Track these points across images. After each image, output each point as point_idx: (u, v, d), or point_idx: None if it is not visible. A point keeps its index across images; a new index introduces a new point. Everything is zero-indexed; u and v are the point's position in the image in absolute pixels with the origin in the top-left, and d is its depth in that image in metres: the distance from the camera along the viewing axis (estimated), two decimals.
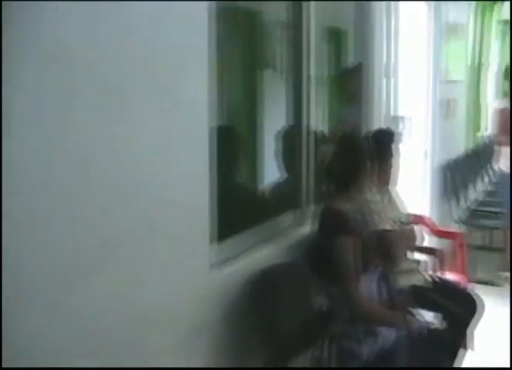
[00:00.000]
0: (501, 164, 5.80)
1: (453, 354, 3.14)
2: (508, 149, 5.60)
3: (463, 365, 3.90)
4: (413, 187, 5.44)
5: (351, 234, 2.73)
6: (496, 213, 6.28)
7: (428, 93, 5.54)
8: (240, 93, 3.22)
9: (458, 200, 6.18)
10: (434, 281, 3.51)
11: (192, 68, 2.25)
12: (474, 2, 7.48)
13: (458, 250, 4.27)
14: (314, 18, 3.26)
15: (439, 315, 2.90)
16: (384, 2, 4.25)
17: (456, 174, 6.19)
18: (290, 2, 3.24)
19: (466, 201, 6.42)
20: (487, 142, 8.70)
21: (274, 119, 3.41)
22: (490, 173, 8.06)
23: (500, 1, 9.39)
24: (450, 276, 4.14)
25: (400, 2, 4.52)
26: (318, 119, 3.98)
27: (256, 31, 3.27)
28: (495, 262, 6.10)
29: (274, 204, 3.22)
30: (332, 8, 4.05)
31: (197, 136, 2.30)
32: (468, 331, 3.45)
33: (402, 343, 2.73)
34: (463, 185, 6.42)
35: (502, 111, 5.49)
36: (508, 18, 10.95)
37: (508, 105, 5.50)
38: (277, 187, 3.34)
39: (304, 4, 3.23)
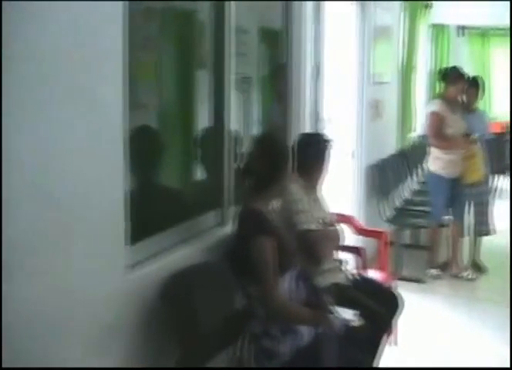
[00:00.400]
0: (429, 164, 5.92)
1: (373, 351, 3.18)
2: (436, 149, 5.72)
3: (389, 362, 3.98)
4: (341, 187, 5.51)
5: (269, 234, 2.73)
6: (423, 211, 6.42)
7: (355, 94, 5.61)
8: (175, 93, 3.20)
9: (388, 199, 6.28)
10: (356, 280, 3.56)
11: (107, 70, 2.24)
12: (403, 6, 7.62)
13: (382, 249, 4.34)
14: (234, 17, 3.25)
15: (357, 313, 2.94)
16: (311, 3, 4.27)
17: (385, 174, 6.28)
18: (212, 2, 3.23)
19: (394, 201, 6.52)
20: (417, 142, 8.89)
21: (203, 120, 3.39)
22: (419, 172, 8.24)
23: (428, 5, 9.64)
24: (374, 274, 4.21)
25: (327, 3, 4.56)
26: (250, 120, 4.02)
27: (191, 31, 3.25)
28: (423, 260, 6.25)
29: (196, 204, 3.20)
30: (264, 8, 4.08)
31: (112, 137, 2.28)
32: (390, 327, 3.52)
33: (321, 341, 2.76)
34: (392, 185, 6.53)
35: (432, 113, 5.59)
36: (437, 22, 11.27)
37: (437, 108, 5.60)
38: (200, 187, 3.33)
39: (226, 3, 3.21)
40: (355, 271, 3.73)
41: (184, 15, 3.21)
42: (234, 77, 3.34)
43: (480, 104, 13.00)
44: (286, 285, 2.81)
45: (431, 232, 6.10)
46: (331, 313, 2.83)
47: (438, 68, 11.43)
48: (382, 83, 6.55)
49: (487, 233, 6.06)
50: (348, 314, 2.89)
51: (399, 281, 5.54)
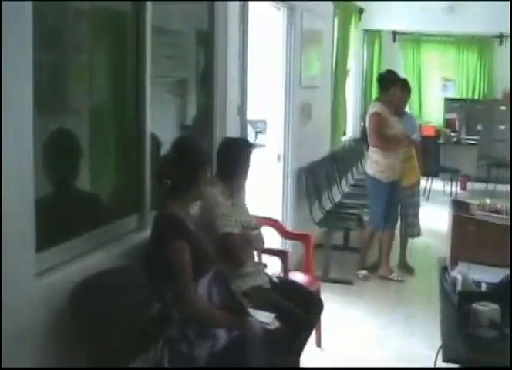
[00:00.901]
0: (367, 168, 5.98)
1: (293, 353, 3.21)
2: (376, 150, 5.76)
3: (313, 363, 4.03)
4: (268, 191, 5.54)
5: (185, 238, 2.73)
6: (353, 214, 6.52)
7: (284, 98, 5.65)
8: (105, 96, 3.16)
9: (318, 202, 6.35)
10: (278, 283, 3.58)
11: (16, 71, 2.19)
12: (335, 11, 7.72)
13: (308, 252, 4.38)
14: (150, 19, 3.23)
15: (274, 315, 2.95)
16: (236, 3, 4.27)
17: (316, 177, 6.35)
18: (130, 3, 3.20)
19: (325, 203, 6.59)
20: (348, 145, 9.03)
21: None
22: (350, 176, 8.37)
23: (360, 11, 9.80)
24: (299, 276, 4.25)
25: (253, 6, 4.57)
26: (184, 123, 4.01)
27: (125, 32, 3.22)
28: (352, 262, 6.34)
29: (115, 209, 3.16)
30: (199, 9, 4.07)
31: (20, 141, 2.23)
32: (311, 328, 3.55)
33: (238, 343, 2.76)
34: (323, 187, 6.60)
35: (374, 114, 5.66)
36: (370, 27, 11.47)
37: (378, 109, 5.71)
38: (120, 191, 3.29)
39: (141, 4, 3.19)
40: (277, 274, 3.76)
41: (119, 15, 3.19)
42: (167, 80, 3.31)
43: (413, 108, 13.40)
44: (202, 289, 2.80)
45: (362, 233, 6.19)
46: (248, 316, 2.83)
47: (372, 73, 11.73)
48: (312, 87, 6.62)
49: (417, 235, 6.19)
50: (264, 317, 2.89)
51: (327, 283, 5.63)
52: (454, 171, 10.59)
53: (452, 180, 10.42)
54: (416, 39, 12.97)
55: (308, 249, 4.36)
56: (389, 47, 12.87)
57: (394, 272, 6.03)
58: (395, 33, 12.96)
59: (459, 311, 2.48)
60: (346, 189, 7.90)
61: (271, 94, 5.78)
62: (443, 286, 2.86)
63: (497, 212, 3.16)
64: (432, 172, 10.71)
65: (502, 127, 10.94)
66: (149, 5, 3.21)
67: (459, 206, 3.31)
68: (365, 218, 6.40)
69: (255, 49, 5.14)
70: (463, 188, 11.33)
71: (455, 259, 2.98)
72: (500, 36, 12.65)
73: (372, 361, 4.23)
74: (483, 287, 2.64)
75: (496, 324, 2.33)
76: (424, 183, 10.57)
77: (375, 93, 12.17)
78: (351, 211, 6.63)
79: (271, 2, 5.34)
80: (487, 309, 2.34)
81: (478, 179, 11.39)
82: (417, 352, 4.35)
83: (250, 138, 5.33)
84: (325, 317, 4.68)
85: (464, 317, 2.40)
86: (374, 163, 5.80)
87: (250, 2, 4.48)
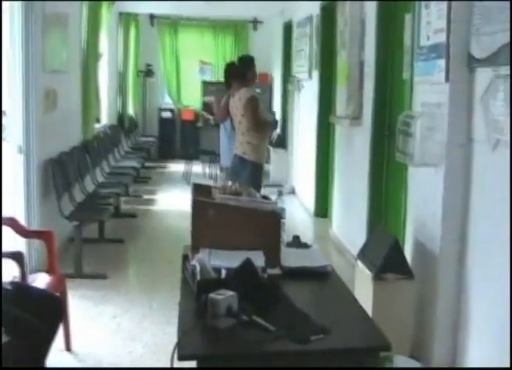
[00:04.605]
0: (247, 154, 5.93)
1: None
2: (253, 135, 5.86)
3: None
4: (9, 187, 5.08)
5: None
6: (106, 204, 6.26)
7: (23, 84, 5.18)
8: None
9: (68, 194, 5.98)
10: (11, 289, 3.21)
11: None
12: None
13: (50, 250, 4.03)
14: None
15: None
16: None
17: (64, 168, 5.97)
18: None
19: (75, 195, 6.20)
20: (102, 133, 8.71)
21: None
22: (105, 164, 8.09)
23: None
24: (42, 278, 3.92)
25: None
26: None
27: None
28: (108, 254, 6.13)
29: None
30: None
31: None
32: (54, 333, 3.27)
33: None
34: (73, 179, 6.23)
35: (253, 98, 5.81)
36: (126, 10, 11.16)
37: (254, 93, 5.96)
38: None
39: None
40: (13, 279, 3.40)
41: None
42: None
43: (171, 92, 13.38)
44: None
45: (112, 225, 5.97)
46: None
47: (128, 57, 11.45)
48: (59, 72, 6.21)
49: None
50: None
51: (81, 280, 5.33)
52: (213, 153, 10.73)
53: (211, 162, 10.55)
54: (173, 23, 12.97)
55: (52, 247, 4.01)
56: (146, 31, 12.72)
57: None
58: (152, 17, 12.83)
59: (197, 302, 2.34)
60: (101, 178, 7.59)
61: (9, 82, 5.27)
62: (185, 276, 2.71)
63: (238, 194, 3.10)
64: (191, 155, 10.79)
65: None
66: None
67: (200, 190, 3.20)
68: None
69: None
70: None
71: (196, 246, 2.86)
72: (254, 21, 13.06)
73: (127, 358, 4.04)
74: (223, 274, 2.54)
75: (233, 312, 2.22)
76: (184, 166, 10.65)
77: (133, 77, 11.99)
78: (104, 202, 6.36)
79: None
80: (223, 297, 2.22)
81: None
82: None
83: None
84: (78, 316, 4.45)
85: (203, 309, 2.27)
86: (253, 147, 5.87)
87: None
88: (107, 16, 8.97)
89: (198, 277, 2.47)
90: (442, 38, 3.63)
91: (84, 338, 4.26)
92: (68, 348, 4.04)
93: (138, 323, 4.63)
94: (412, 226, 4.18)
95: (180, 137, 13.05)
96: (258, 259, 2.73)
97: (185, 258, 2.85)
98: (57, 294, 3.46)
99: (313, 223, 7.95)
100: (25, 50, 5.16)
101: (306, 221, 8.01)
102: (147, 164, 11.29)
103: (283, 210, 3.08)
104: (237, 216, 2.92)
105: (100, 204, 6.30)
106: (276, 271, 2.77)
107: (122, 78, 11.15)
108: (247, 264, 2.50)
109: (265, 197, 3.19)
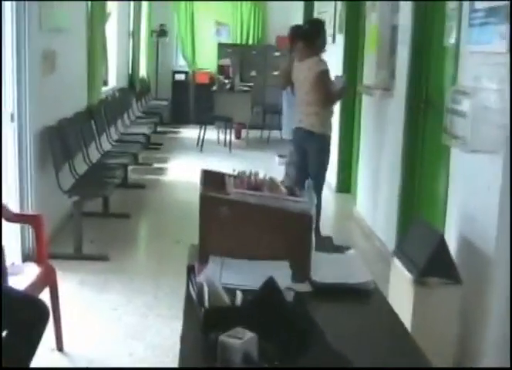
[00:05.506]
0: (317, 127, 5.44)
1: None
2: (323, 107, 5.41)
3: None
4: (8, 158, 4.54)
5: None
6: (110, 177, 5.72)
7: (15, 45, 4.57)
8: None
9: (71, 165, 5.43)
10: None
11: None
12: None
13: (39, 236, 3.49)
14: None
15: None
16: None
17: (65, 137, 5.41)
18: None
19: (77, 167, 5.64)
20: (111, 97, 8.14)
21: None
22: (112, 131, 7.53)
23: None
24: (31, 268, 3.41)
25: None
26: None
27: None
28: (113, 231, 5.72)
29: None
30: None
31: None
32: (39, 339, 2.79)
33: None
34: (74, 149, 5.66)
35: (325, 72, 5.34)
36: None
37: (327, 67, 5.39)
38: None
39: None
40: None
41: None
42: None
43: (186, 54, 12.82)
44: None
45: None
46: None
47: (140, 18, 10.81)
48: (59, 30, 5.61)
49: None
50: None
51: (81, 262, 4.87)
52: (228, 119, 10.16)
53: (226, 129, 10.00)
54: None
55: (40, 233, 3.46)
56: None
57: None
58: None
59: (204, 339, 1.79)
60: (108, 146, 7.03)
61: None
62: (189, 294, 2.16)
63: (256, 189, 2.52)
64: (206, 120, 10.21)
65: (275, 73, 10.63)
66: None
67: (211, 180, 2.62)
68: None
69: None
70: (238, 137, 11.03)
71: (205, 254, 2.31)
72: None
73: (127, 361, 3.55)
74: (238, 299, 1.98)
75: (251, 359, 1.67)
76: (197, 132, 10.10)
77: (146, 37, 11.36)
78: (110, 174, 5.80)
79: None
80: (239, 342, 1.66)
81: (253, 127, 11.14)
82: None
83: None
84: (74, 307, 4.02)
85: (212, 351, 1.72)
86: (323, 119, 5.41)
87: None
88: None
89: (206, 304, 1.92)
90: None
91: (78, 335, 3.77)
92: (59, 347, 3.55)
93: (141, 317, 4.13)
94: (457, 220, 3.61)
95: (194, 101, 12.48)
96: (283, 273, 2.20)
97: (190, 270, 2.27)
98: (39, 298, 2.94)
99: (335, 199, 7.39)
100: (16, 5, 4.55)
101: (327, 197, 7.43)
102: (159, 129, 10.77)
103: (312, 204, 2.51)
104: (257, 218, 2.36)
105: (105, 177, 5.73)
106: (304, 288, 2.24)
107: (133, 38, 10.50)
108: (270, 286, 1.94)
109: (292, 192, 2.60)
